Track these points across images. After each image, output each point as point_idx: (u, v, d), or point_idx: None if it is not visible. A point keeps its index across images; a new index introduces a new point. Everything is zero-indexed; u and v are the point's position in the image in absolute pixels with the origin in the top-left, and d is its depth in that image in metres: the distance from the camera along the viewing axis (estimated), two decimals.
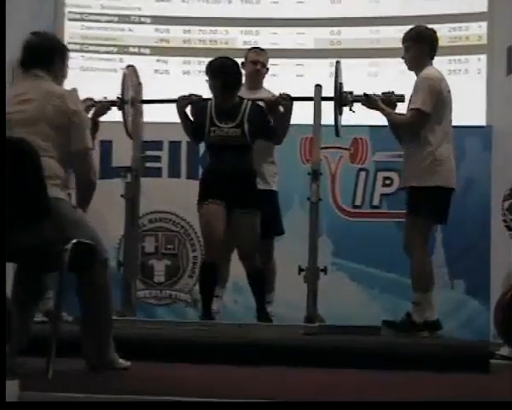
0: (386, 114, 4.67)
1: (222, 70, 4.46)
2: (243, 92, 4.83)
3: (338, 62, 4.68)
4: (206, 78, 4.52)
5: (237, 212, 4.48)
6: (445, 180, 4.50)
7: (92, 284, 3.13)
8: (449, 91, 4.64)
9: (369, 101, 4.63)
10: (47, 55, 3.23)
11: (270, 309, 4.91)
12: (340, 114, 4.65)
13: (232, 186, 4.43)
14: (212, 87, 4.51)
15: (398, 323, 4.55)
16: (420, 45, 4.64)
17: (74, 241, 2.98)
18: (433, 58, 4.70)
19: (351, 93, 4.63)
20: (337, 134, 4.70)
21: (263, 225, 4.64)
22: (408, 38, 4.69)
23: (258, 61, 5.05)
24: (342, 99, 4.61)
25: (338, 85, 4.61)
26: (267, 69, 5.12)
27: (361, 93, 4.68)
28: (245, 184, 4.49)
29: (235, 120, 4.47)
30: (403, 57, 4.72)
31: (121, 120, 4.89)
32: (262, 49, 5.15)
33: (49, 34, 3.42)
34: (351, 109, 4.64)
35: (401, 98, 4.62)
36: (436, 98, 4.52)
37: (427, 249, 4.56)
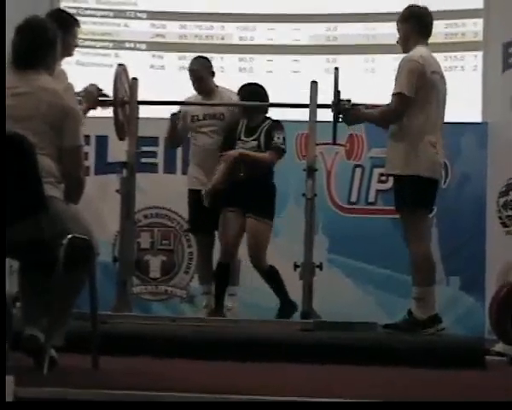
0: (368, 120, 4.62)
1: (251, 96, 4.96)
2: (198, 99, 5.10)
3: (336, 69, 4.63)
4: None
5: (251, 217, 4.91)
6: (425, 170, 4.32)
7: (80, 278, 3.11)
8: (437, 73, 4.43)
9: (348, 119, 4.56)
10: (35, 51, 3.17)
11: (231, 304, 4.91)
12: (338, 121, 4.64)
13: (247, 193, 4.86)
14: (243, 109, 5.03)
15: (400, 322, 4.46)
16: (408, 24, 4.45)
17: (69, 236, 2.97)
18: (425, 37, 4.49)
19: (348, 101, 4.61)
20: (334, 142, 4.70)
21: None
22: (398, 20, 4.54)
23: (192, 70, 5.14)
24: (340, 106, 4.56)
25: (336, 93, 4.58)
26: (211, 72, 5.14)
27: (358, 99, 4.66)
28: (259, 191, 4.92)
29: (255, 134, 4.98)
30: (397, 42, 4.57)
31: None
32: (196, 58, 5.21)
33: (36, 25, 3.24)
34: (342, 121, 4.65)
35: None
36: (417, 80, 4.31)
37: (423, 241, 4.42)
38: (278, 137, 4.95)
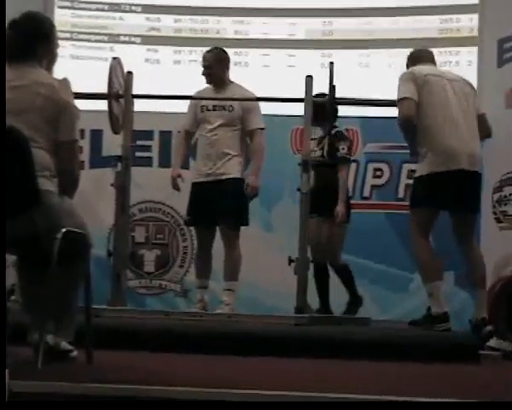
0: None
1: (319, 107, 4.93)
2: (209, 92, 5.05)
3: (332, 64, 4.65)
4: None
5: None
6: (432, 166, 4.35)
7: (77, 272, 3.10)
8: (432, 75, 4.49)
9: None
10: (27, 45, 3.16)
11: (228, 299, 4.89)
12: (334, 116, 4.64)
13: (319, 199, 5.07)
14: (313, 118, 4.99)
15: (420, 319, 4.51)
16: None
17: (64, 230, 2.96)
18: (420, 63, 4.62)
19: (343, 99, 4.63)
20: (330, 136, 4.71)
21: (229, 215, 4.85)
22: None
23: (203, 58, 5.12)
24: (335, 103, 4.58)
25: (331, 87, 4.59)
26: (224, 64, 5.10)
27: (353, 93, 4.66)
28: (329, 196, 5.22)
29: (321, 144, 5.30)
30: None
31: None
32: (208, 51, 5.16)
33: (28, 18, 3.23)
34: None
35: None
36: (414, 84, 4.42)
37: (423, 239, 4.42)
38: (343, 148, 5.23)
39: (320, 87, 4.74)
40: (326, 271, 5.33)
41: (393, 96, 4.60)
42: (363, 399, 2.50)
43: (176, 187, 5.10)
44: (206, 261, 5.07)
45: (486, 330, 4.23)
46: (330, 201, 5.18)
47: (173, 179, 5.08)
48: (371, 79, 6.02)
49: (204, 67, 5.11)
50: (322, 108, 4.88)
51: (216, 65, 5.07)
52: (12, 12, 3.28)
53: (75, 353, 3.11)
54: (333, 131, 5.26)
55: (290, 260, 4.56)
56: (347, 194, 5.36)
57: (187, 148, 5.22)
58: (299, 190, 4.63)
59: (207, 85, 5.13)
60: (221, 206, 4.88)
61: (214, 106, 5.05)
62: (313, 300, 4.73)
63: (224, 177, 4.93)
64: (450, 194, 4.39)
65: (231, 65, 5.18)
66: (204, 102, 5.07)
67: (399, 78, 4.52)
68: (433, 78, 4.52)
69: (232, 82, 5.13)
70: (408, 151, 4.64)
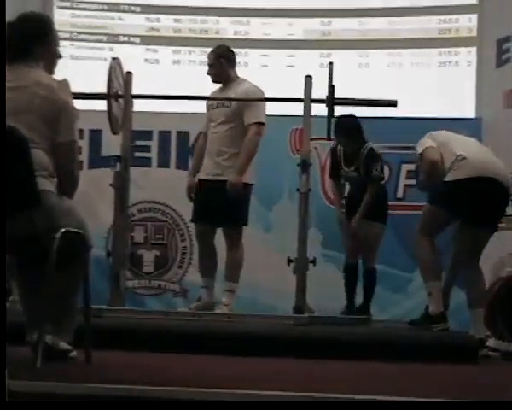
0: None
1: (343, 129, 5.22)
2: (217, 90, 5.06)
3: (331, 64, 4.65)
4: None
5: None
6: (466, 172, 4.35)
7: (76, 272, 3.10)
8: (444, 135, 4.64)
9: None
10: (25, 46, 3.16)
11: (227, 300, 4.88)
12: (332, 116, 4.65)
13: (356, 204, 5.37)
14: (337, 140, 5.34)
15: (418, 319, 4.50)
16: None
17: (63, 230, 2.96)
18: None
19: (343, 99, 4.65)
20: (329, 137, 4.71)
21: (229, 215, 4.86)
22: None
23: (208, 63, 5.12)
24: (334, 102, 4.58)
25: (330, 88, 4.59)
26: (227, 61, 5.09)
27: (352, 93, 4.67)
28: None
29: (354, 163, 5.37)
30: None
31: None
32: (211, 50, 5.16)
33: (25, 19, 3.23)
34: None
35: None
36: (436, 145, 4.50)
37: (428, 238, 4.41)
38: (376, 169, 5.33)
39: (319, 87, 4.74)
40: (357, 271, 5.43)
41: (392, 97, 4.60)
42: (362, 399, 2.50)
43: (190, 197, 5.09)
44: (210, 261, 5.05)
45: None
46: (373, 203, 5.33)
47: (188, 189, 5.08)
48: (370, 80, 6.02)
49: (208, 65, 5.12)
50: (343, 131, 5.15)
51: (217, 63, 5.08)
52: (12, 12, 3.28)
53: (74, 353, 3.11)
54: (365, 150, 5.31)
55: (289, 261, 4.56)
56: (385, 198, 5.48)
57: (202, 149, 5.18)
58: (298, 190, 4.64)
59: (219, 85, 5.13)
60: (221, 206, 4.88)
61: (218, 103, 5.06)
62: (312, 300, 4.72)
63: (221, 177, 4.92)
64: (478, 203, 4.34)
65: None
66: (211, 101, 5.09)
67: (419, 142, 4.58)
68: (444, 136, 4.62)
69: (238, 78, 5.12)
70: (407, 152, 4.64)
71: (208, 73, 5.12)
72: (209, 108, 5.09)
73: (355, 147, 5.36)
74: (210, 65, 5.11)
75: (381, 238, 5.40)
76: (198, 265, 5.18)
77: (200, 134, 5.24)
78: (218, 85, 5.12)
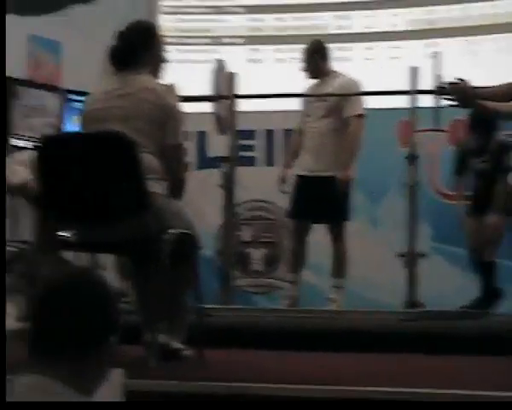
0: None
1: (480, 121, 4.91)
2: (313, 86, 5.05)
3: (437, 53, 4.56)
4: None
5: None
6: None
7: (187, 272, 3.16)
8: None
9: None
10: (131, 53, 3.23)
11: (336, 296, 4.84)
12: (441, 107, 4.54)
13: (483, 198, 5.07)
14: (472, 132, 5.09)
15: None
16: None
17: (173, 231, 3.02)
18: None
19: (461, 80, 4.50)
20: (436, 128, 4.61)
21: (332, 211, 4.81)
22: None
23: (302, 59, 5.09)
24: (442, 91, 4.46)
25: (437, 78, 4.50)
26: (319, 56, 5.05)
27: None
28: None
29: (484, 155, 5.06)
30: None
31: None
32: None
33: (130, 29, 3.30)
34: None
35: None
36: None
37: None
38: (508, 160, 5.07)
39: (423, 78, 4.65)
40: (490, 266, 5.17)
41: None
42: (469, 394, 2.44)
43: (281, 189, 5.11)
44: (301, 257, 5.04)
45: None
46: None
47: (281, 181, 5.09)
48: (478, 68, 5.87)
49: (302, 61, 5.13)
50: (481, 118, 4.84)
51: (309, 58, 5.07)
52: (118, 20, 3.37)
53: (188, 352, 3.16)
54: (499, 142, 5.09)
55: (399, 255, 4.51)
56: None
57: (298, 144, 5.19)
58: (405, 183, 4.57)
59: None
60: (325, 202, 4.86)
61: (315, 98, 5.05)
62: (422, 294, 4.64)
63: (324, 173, 4.90)
64: None
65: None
66: (310, 98, 5.08)
67: None
68: None
69: (334, 72, 5.10)
70: None
71: (303, 70, 5.11)
72: (306, 102, 5.09)
73: (488, 136, 5.12)
74: (304, 62, 5.11)
75: (504, 234, 5.16)
76: (290, 259, 5.17)
77: (295, 130, 5.22)
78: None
